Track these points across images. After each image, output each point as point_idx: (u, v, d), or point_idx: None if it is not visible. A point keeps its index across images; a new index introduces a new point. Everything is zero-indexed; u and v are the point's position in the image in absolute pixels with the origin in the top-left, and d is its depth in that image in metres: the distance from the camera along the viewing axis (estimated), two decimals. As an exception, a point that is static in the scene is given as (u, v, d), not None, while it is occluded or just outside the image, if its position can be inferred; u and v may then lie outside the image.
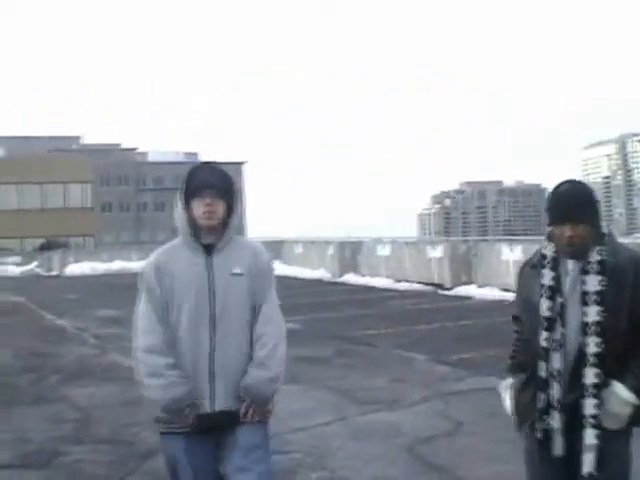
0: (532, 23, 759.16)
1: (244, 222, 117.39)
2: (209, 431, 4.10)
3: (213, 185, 4.14)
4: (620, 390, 3.68)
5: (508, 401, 4.01)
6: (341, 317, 17.91)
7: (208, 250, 4.17)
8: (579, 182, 3.87)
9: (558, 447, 3.76)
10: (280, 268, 33.52)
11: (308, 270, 31.45)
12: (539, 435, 3.79)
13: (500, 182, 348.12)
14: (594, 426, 3.66)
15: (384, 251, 27.55)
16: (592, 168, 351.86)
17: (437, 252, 24.53)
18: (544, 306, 3.75)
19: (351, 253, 29.64)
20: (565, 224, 3.69)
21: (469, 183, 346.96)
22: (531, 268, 3.91)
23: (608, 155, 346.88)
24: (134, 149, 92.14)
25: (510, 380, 4.02)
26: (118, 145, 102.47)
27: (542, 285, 3.78)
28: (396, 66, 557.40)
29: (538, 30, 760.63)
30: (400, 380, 10.54)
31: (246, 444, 4.11)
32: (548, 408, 3.75)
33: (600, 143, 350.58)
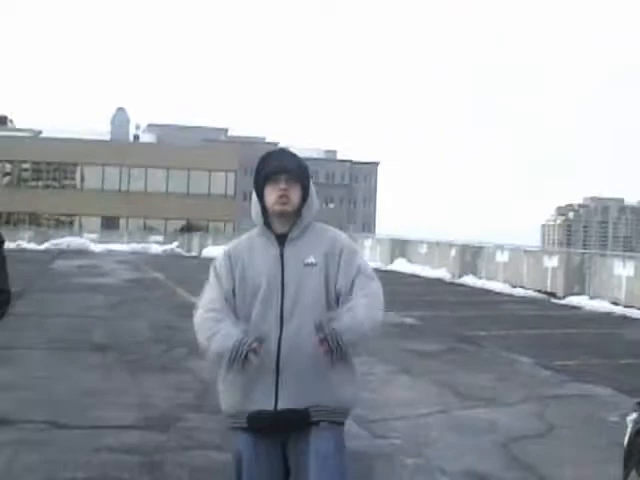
0: (532, 23, 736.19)
1: (375, 219, 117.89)
2: (273, 431, 3.76)
3: (287, 169, 3.83)
4: None
5: (626, 437, 3.65)
6: (456, 316, 18.26)
7: (282, 240, 3.82)
8: None
9: None
10: (404, 266, 34.04)
11: (430, 269, 31.97)
12: None
13: (622, 199, 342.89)
14: None
15: (503, 257, 27.87)
16: None
17: (553, 262, 24.77)
18: None
19: (471, 257, 30.00)
20: None
21: (592, 198, 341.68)
22: None
23: None
24: (276, 143, 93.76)
25: (634, 415, 3.68)
26: (263, 139, 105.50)
27: None
28: (396, 66, 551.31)
29: (538, 30, 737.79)
30: (502, 380, 10.76)
31: (318, 451, 3.73)
32: None
33: None
